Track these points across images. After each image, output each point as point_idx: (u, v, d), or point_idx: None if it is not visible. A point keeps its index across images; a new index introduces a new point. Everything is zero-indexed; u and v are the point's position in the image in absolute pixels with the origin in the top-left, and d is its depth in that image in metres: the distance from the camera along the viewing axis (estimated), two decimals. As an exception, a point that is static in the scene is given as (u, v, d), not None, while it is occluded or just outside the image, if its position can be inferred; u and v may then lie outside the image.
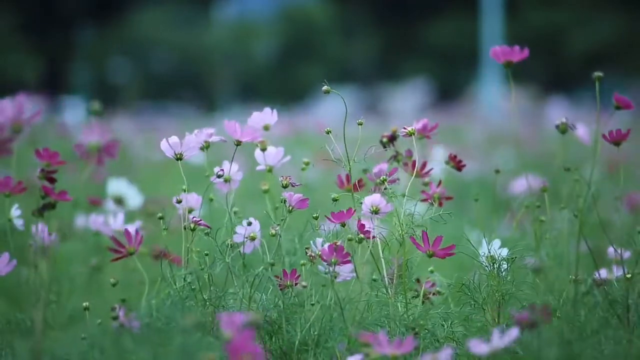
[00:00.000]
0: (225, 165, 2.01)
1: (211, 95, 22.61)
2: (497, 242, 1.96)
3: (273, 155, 2.09)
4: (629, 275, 1.90)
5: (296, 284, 1.92)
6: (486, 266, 1.95)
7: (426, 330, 1.91)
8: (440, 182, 2.12)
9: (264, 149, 2.08)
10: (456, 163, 2.14)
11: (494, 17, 16.79)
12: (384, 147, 2.13)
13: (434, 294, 2.03)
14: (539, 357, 1.70)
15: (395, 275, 1.93)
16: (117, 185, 2.86)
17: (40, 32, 24.78)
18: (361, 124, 1.94)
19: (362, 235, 1.91)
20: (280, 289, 1.92)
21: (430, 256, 1.90)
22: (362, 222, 1.93)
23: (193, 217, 1.94)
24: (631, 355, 1.80)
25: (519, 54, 2.04)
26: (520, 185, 3.35)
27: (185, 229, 1.92)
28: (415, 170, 2.07)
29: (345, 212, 1.92)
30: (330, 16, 25.78)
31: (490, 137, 8.80)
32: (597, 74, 1.94)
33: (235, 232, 1.94)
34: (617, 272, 1.99)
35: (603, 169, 4.93)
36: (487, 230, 2.29)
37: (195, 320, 1.66)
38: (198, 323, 1.65)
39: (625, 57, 23.11)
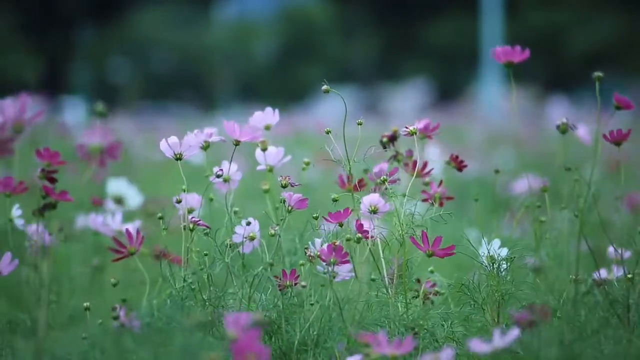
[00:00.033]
0: (225, 165, 2.02)
1: (211, 95, 22.60)
2: (496, 242, 1.96)
3: (273, 155, 2.09)
4: (630, 276, 1.90)
5: (296, 284, 1.92)
6: (486, 266, 1.95)
7: (425, 330, 1.91)
8: (441, 182, 2.12)
9: (264, 149, 2.08)
10: (457, 163, 2.14)
11: (494, 17, 16.79)
12: (384, 147, 2.13)
13: (434, 294, 2.03)
14: (539, 357, 1.70)
15: (395, 275, 1.93)
16: (117, 185, 2.86)
17: (40, 32, 24.78)
18: (361, 124, 1.94)
19: (360, 235, 1.91)
20: (280, 289, 1.92)
21: (429, 256, 1.90)
22: (362, 222, 1.93)
23: (192, 217, 1.94)
24: (631, 355, 1.80)
25: (519, 54, 2.04)
26: (521, 185, 3.35)
27: (184, 229, 1.92)
28: (416, 170, 2.07)
29: (342, 212, 1.92)
30: (330, 16, 25.77)
31: (490, 137, 8.80)
32: (598, 74, 1.94)
33: (234, 232, 1.94)
34: (618, 272, 1.99)
35: (603, 169, 4.93)
36: (487, 230, 2.29)
37: (197, 320, 1.66)
38: (200, 323, 1.66)
39: (625, 57, 23.11)
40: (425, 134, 2.07)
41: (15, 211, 2.02)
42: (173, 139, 1.96)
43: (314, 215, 1.94)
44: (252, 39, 25.46)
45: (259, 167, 2.11)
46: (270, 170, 2.09)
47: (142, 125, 10.14)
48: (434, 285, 2.04)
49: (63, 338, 1.90)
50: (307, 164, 2.11)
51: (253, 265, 1.94)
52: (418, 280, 2.01)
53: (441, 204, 2.08)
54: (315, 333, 1.91)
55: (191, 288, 1.90)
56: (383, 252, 1.94)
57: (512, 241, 2.02)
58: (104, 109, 2.13)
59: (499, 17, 16.75)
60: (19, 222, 2.02)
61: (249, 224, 1.94)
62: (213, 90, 23.49)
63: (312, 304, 1.92)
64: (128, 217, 2.71)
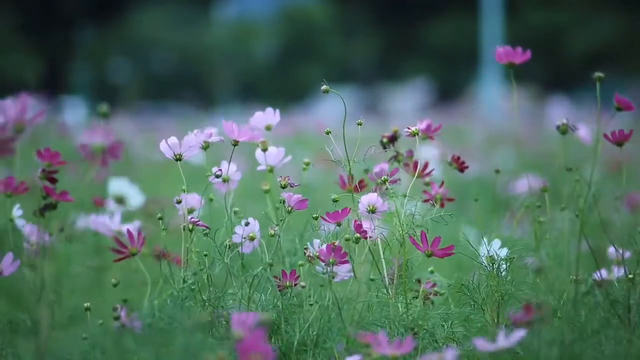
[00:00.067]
0: (224, 165, 2.02)
1: (211, 95, 22.60)
2: (496, 242, 1.96)
3: (274, 155, 2.09)
4: (631, 276, 1.90)
5: (295, 285, 1.92)
6: (486, 266, 1.95)
7: (425, 331, 1.91)
8: (442, 183, 2.11)
9: (265, 149, 2.08)
10: (459, 164, 2.14)
11: (494, 17, 16.79)
12: (384, 147, 2.13)
13: (434, 294, 2.03)
14: (539, 357, 1.70)
15: (395, 275, 1.93)
16: (119, 185, 2.86)
17: (40, 32, 24.78)
18: (361, 124, 1.94)
19: (359, 236, 1.91)
20: (279, 290, 1.92)
21: (429, 256, 1.90)
22: (362, 222, 1.93)
23: (191, 218, 1.94)
24: (631, 356, 1.80)
25: (521, 55, 2.04)
26: (521, 185, 3.35)
27: (184, 229, 1.92)
28: (417, 170, 2.07)
29: (340, 211, 1.92)
30: (330, 16, 25.77)
31: (490, 137, 8.80)
32: (598, 74, 1.94)
33: (234, 233, 1.94)
34: (618, 272, 1.99)
35: (604, 169, 4.93)
36: (487, 230, 2.29)
37: (201, 319, 1.66)
38: (202, 323, 1.66)
39: (625, 57, 23.11)
40: (427, 134, 2.07)
41: (16, 211, 2.02)
42: (173, 140, 1.96)
43: (314, 216, 1.94)
44: (252, 39, 25.46)
45: (259, 167, 2.11)
46: (271, 170, 2.09)
47: (142, 125, 10.14)
48: (434, 285, 2.04)
49: (64, 338, 1.90)
50: (307, 164, 2.11)
51: (253, 266, 1.94)
52: (418, 281, 2.01)
53: (442, 205, 2.08)
54: (314, 333, 1.91)
55: (191, 289, 1.90)
56: (383, 253, 1.94)
57: (512, 241, 2.02)
58: (107, 109, 2.13)
59: (499, 17, 16.75)
60: (20, 222, 2.02)
61: (247, 224, 1.94)
62: (213, 90, 23.49)
63: (311, 305, 1.92)
64: (128, 217, 2.71)
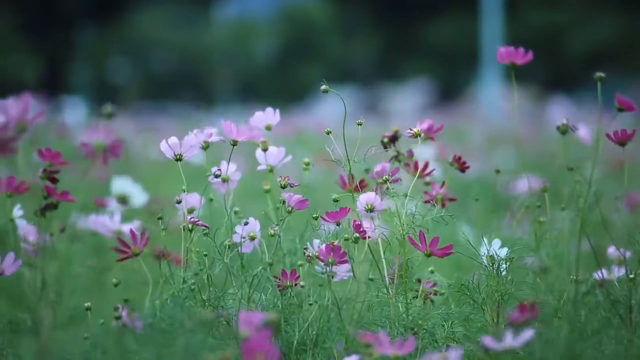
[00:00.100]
0: (223, 165, 2.02)
1: (211, 95, 22.60)
2: (497, 242, 1.96)
3: (274, 155, 2.09)
4: (632, 276, 1.90)
5: (295, 285, 1.92)
6: (486, 266, 1.95)
7: (425, 331, 1.91)
8: (444, 184, 2.11)
9: (265, 149, 2.08)
10: (460, 164, 2.13)
11: (494, 17, 16.79)
12: (385, 147, 2.12)
13: (434, 294, 2.03)
14: (539, 357, 1.70)
15: (396, 275, 1.93)
16: (122, 184, 2.86)
17: (40, 32, 24.78)
18: (361, 124, 1.94)
19: (357, 235, 1.91)
20: (280, 290, 1.92)
21: (428, 256, 1.90)
22: (363, 222, 1.93)
23: (191, 218, 1.94)
24: (632, 355, 1.80)
25: (523, 56, 2.04)
26: (521, 185, 3.35)
27: (184, 229, 1.92)
28: (418, 171, 2.07)
29: (340, 211, 1.92)
30: (330, 16, 25.77)
31: (490, 137, 8.80)
32: (599, 74, 1.94)
33: (234, 232, 1.94)
34: (618, 272, 1.99)
35: (604, 169, 4.93)
36: (487, 230, 2.29)
37: (206, 318, 1.66)
38: (206, 322, 1.66)
39: (625, 57, 23.11)
40: (429, 135, 2.07)
41: (17, 211, 2.02)
42: (173, 140, 1.96)
43: (314, 216, 1.94)
44: (252, 39, 25.46)
45: (259, 167, 2.11)
46: (271, 170, 2.09)
47: (142, 125, 10.13)
48: (434, 285, 2.04)
49: (64, 338, 1.90)
50: (308, 164, 2.11)
51: (253, 266, 1.94)
52: (418, 280, 2.01)
53: (443, 205, 2.08)
54: (314, 333, 1.91)
55: (191, 289, 1.90)
56: (384, 253, 1.94)
57: (512, 241, 2.02)
58: (112, 110, 2.13)
59: (499, 17, 16.75)
60: (21, 223, 2.03)
61: (246, 224, 1.94)
62: (213, 90, 23.49)
63: (310, 304, 1.92)
64: (130, 217, 2.71)
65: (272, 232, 1.93)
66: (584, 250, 1.95)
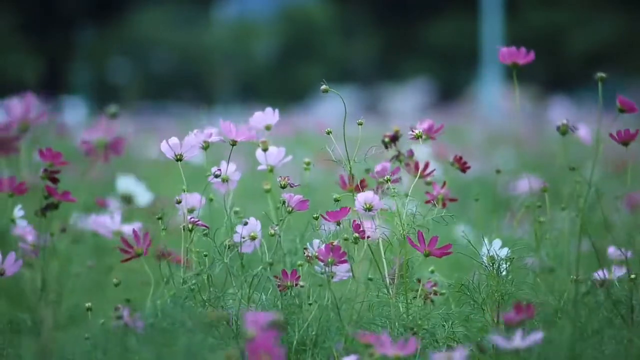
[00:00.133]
0: (222, 165, 2.02)
1: (211, 95, 22.60)
2: (497, 243, 1.96)
3: (274, 155, 2.09)
4: (633, 276, 1.90)
5: (296, 285, 1.92)
6: (486, 266, 1.95)
7: (425, 331, 1.91)
8: (444, 184, 2.11)
9: (265, 149, 2.08)
10: (461, 165, 2.13)
11: (494, 17, 16.79)
12: (386, 147, 2.12)
13: (433, 293, 2.03)
14: (539, 357, 1.70)
15: (396, 275, 1.93)
16: (126, 183, 2.85)
17: (40, 32, 24.78)
18: (361, 124, 1.94)
19: (357, 235, 1.91)
20: (280, 290, 1.92)
21: (427, 255, 1.89)
22: (364, 222, 1.93)
23: (191, 218, 1.94)
24: (631, 355, 1.80)
25: (525, 56, 2.04)
26: (521, 185, 3.35)
27: (184, 229, 1.92)
28: (419, 171, 2.07)
29: (340, 210, 1.92)
30: (330, 16, 25.77)
31: (490, 137, 8.80)
32: (600, 74, 1.94)
33: (235, 232, 1.94)
34: (618, 272, 1.99)
35: (604, 169, 4.93)
36: (487, 230, 2.29)
37: (209, 318, 1.66)
38: (205, 323, 1.66)
39: (625, 57, 23.11)
40: (429, 135, 2.07)
41: (18, 212, 2.03)
42: (174, 140, 1.96)
43: (315, 216, 1.94)
44: (252, 39, 25.46)
45: (259, 167, 2.11)
46: (271, 170, 2.09)
47: (142, 125, 10.13)
48: (434, 285, 2.04)
49: (65, 338, 1.90)
50: (308, 164, 2.11)
51: (252, 266, 1.94)
52: (418, 280, 2.01)
53: (444, 205, 2.08)
54: (313, 333, 1.91)
55: (191, 289, 1.90)
56: (384, 253, 1.94)
57: (513, 241, 2.02)
58: (116, 110, 2.13)
59: (499, 17, 16.75)
60: (21, 223, 2.03)
61: (246, 224, 1.94)
62: (213, 90, 23.49)
63: (310, 304, 1.92)
64: (129, 217, 2.70)
65: (272, 232, 1.93)
66: (584, 250, 1.95)
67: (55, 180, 2.00)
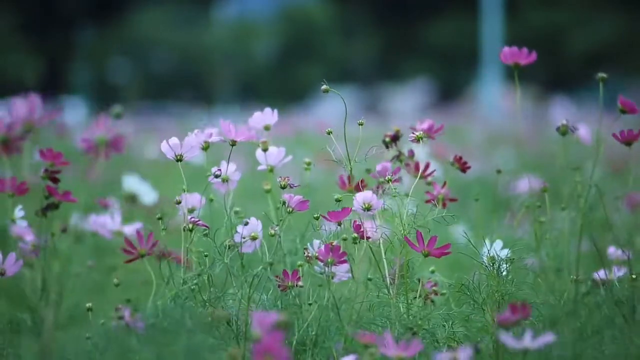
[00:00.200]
0: (223, 165, 2.02)
1: (211, 95, 22.60)
2: (499, 243, 1.96)
3: (274, 155, 2.09)
4: (634, 276, 1.90)
5: (296, 285, 1.92)
6: (486, 266, 1.95)
7: (425, 331, 1.91)
8: (445, 184, 2.11)
9: (265, 149, 2.08)
10: (461, 164, 2.13)
11: (494, 17, 16.79)
12: (387, 147, 2.12)
13: (434, 293, 2.03)
14: (539, 356, 1.70)
15: (396, 275, 1.93)
16: (131, 182, 2.85)
17: (40, 32, 24.78)
18: (362, 124, 1.94)
19: (356, 235, 1.91)
20: (281, 290, 1.92)
21: (425, 256, 1.89)
22: (365, 222, 1.93)
23: (191, 217, 1.94)
24: (631, 355, 1.80)
25: (526, 56, 2.04)
26: (521, 185, 3.35)
27: (184, 229, 1.92)
28: (419, 171, 2.07)
29: (341, 211, 1.92)
30: (330, 16, 25.78)
31: (490, 137, 8.80)
32: (601, 75, 1.94)
33: (235, 232, 1.94)
34: (618, 272, 1.99)
35: (604, 169, 4.93)
36: (487, 230, 2.29)
37: (215, 318, 1.66)
38: (205, 323, 1.66)
39: (625, 57, 23.11)
40: (429, 134, 2.07)
41: (18, 212, 2.03)
42: (174, 140, 1.96)
43: (315, 216, 1.94)
44: (252, 39, 25.46)
45: (259, 167, 2.11)
46: (271, 170, 2.09)
47: (142, 125, 10.13)
48: (434, 285, 2.04)
49: (65, 338, 1.90)
50: (309, 164, 2.11)
51: (252, 266, 1.94)
52: (419, 281, 2.00)
53: (444, 205, 2.08)
54: (313, 333, 1.91)
55: (191, 289, 1.90)
56: (385, 253, 1.94)
57: (513, 241, 2.02)
58: (121, 110, 2.13)
59: (499, 17, 16.75)
60: (22, 223, 2.03)
61: (247, 224, 1.94)
62: (213, 90, 23.49)
63: (309, 304, 1.92)
64: (129, 217, 2.70)
65: (273, 232, 1.93)
66: (584, 250, 1.95)
67: (56, 180, 2.00)
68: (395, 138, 2.13)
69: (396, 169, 2.07)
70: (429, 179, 2.10)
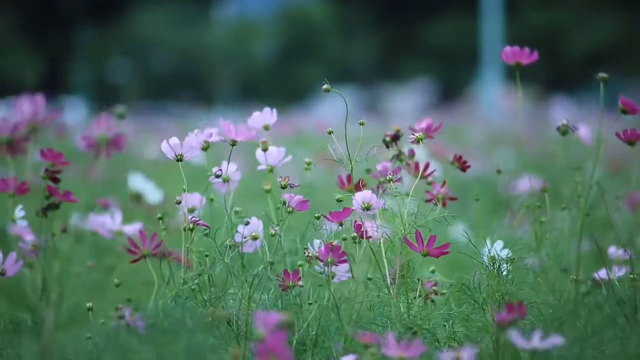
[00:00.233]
0: (223, 165, 2.02)
1: (211, 96, 22.60)
2: (499, 243, 1.96)
3: (274, 155, 2.09)
4: (634, 276, 1.90)
5: (297, 285, 1.92)
6: (486, 266, 1.95)
7: (426, 330, 1.91)
8: (444, 183, 2.11)
9: (265, 149, 2.08)
10: (461, 164, 2.13)
11: (494, 17, 16.79)
12: (387, 146, 2.12)
13: (434, 293, 2.03)
14: (539, 356, 1.71)
15: (397, 275, 1.93)
16: (136, 181, 2.85)
17: (40, 32, 24.78)
18: (363, 124, 1.94)
19: (357, 235, 1.91)
20: (282, 290, 1.92)
21: (425, 255, 1.89)
22: (364, 221, 1.93)
23: (192, 217, 1.94)
24: (631, 355, 1.80)
25: (528, 56, 2.04)
26: (522, 185, 3.35)
27: (184, 229, 1.92)
28: (419, 171, 2.07)
29: (343, 211, 1.92)
30: (330, 16, 25.77)
31: (490, 137, 8.80)
32: (602, 75, 1.94)
33: (236, 231, 1.94)
34: (618, 272, 1.99)
35: (605, 169, 4.93)
36: (488, 230, 2.29)
37: (219, 317, 1.66)
38: (205, 323, 1.66)
39: (625, 57, 23.11)
40: (428, 134, 2.07)
41: (19, 212, 2.03)
42: (174, 140, 1.96)
43: (316, 216, 1.94)
44: (252, 39, 25.46)
45: (259, 167, 2.11)
46: (271, 170, 2.09)
47: (142, 125, 10.13)
48: (435, 285, 2.04)
49: (65, 338, 1.90)
50: (309, 164, 2.11)
51: (252, 266, 1.94)
52: (419, 280, 2.00)
53: (444, 205, 2.08)
54: (313, 333, 1.91)
55: (191, 289, 1.90)
56: (385, 253, 1.94)
57: (513, 241, 2.02)
58: (124, 110, 2.13)
59: (499, 17, 16.75)
60: (22, 223, 2.03)
61: (248, 223, 1.94)
62: (213, 90, 23.48)
63: (310, 304, 1.92)
64: (129, 217, 2.70)
65: (273, 232, 1.93)
66: (584, 250, 1.95)
67: (56, 180, 2.00)
68: (396, 137, 2.13)
69: (396, 169, 2.07)
70: (429, 178, 2.10)
